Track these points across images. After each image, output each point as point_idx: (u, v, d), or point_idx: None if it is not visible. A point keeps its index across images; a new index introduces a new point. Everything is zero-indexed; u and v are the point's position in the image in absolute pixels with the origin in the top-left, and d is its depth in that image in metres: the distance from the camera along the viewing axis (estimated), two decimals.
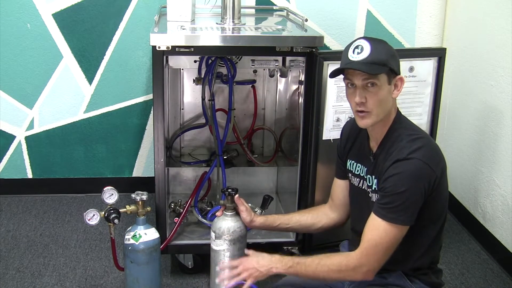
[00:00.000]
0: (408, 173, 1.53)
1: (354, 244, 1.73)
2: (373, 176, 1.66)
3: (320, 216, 1.91)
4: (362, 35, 2.97)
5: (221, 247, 1.97)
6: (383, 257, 1.58)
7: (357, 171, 1.75)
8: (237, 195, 1.93)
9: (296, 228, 1.96)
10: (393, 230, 1.55)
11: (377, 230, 1.57)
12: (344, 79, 1.64)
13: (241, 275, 1.69)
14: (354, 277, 1.62)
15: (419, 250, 1.66)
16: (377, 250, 1.57)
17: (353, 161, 1.77)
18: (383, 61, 1.56)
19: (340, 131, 1.90)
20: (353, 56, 1.57)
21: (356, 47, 1.58)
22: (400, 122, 1.66)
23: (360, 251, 1.59)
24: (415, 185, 1.53)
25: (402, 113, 1.70)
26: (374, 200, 1.65)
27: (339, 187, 1.87)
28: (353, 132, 1.80)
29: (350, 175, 1.79)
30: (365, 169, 1.71)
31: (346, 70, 1.60)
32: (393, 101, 1.64)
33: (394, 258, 1.66)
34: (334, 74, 1.65)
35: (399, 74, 1.62)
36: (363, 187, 1.72)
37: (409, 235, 1.62)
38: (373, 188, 1.67)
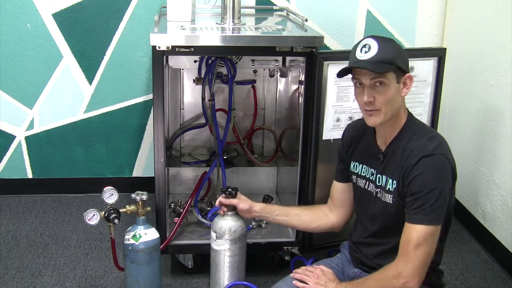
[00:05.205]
0: (435, 170, 1.53)
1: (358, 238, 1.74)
2: (385, 176, 1.65)
3: (319, 215, 1.90)
4: (362, 35, 2.97)
5: (222, 247, 1.97)
6: (428, 262, 1.55)
7: (363, 172, 1.73)
8: (223, 198, 1.94)
9: (294, 222, 1.95)
10: (433, 231, 1.53)
11: (419, 237, 1.51)
12: (352, 78, 1.63)
13: (307, 278, 1.74)
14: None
15: None
16: (425, 260, 1.53)
17: (357, 163, 1.76)
18: (390, 60, 1.55)
19: (342, 133, 1.88)
20: (361, 55, 1.57)
21: (364, 46, 1.57)
22: (413, 121, 1.66)
23: (411, 267, 1.53)
24: (442, 181, 1.53)
25: None
26: (386, 201, 1.64)
27: (338, 189, 1.87)
28: (356, 134, 1.79)
29: (354, 177, 1.78)
30: (373, 170, 1.69)
31: (354, 69, 1.59)
32: (402, 100, 1.63)
33: (393, 260, 1.66)
34: (341, 74, 1.64)
35: (408, 72, 1.61)
36: (369, 189, 1.71)
37: None
38: (386, 189, 1.64)
